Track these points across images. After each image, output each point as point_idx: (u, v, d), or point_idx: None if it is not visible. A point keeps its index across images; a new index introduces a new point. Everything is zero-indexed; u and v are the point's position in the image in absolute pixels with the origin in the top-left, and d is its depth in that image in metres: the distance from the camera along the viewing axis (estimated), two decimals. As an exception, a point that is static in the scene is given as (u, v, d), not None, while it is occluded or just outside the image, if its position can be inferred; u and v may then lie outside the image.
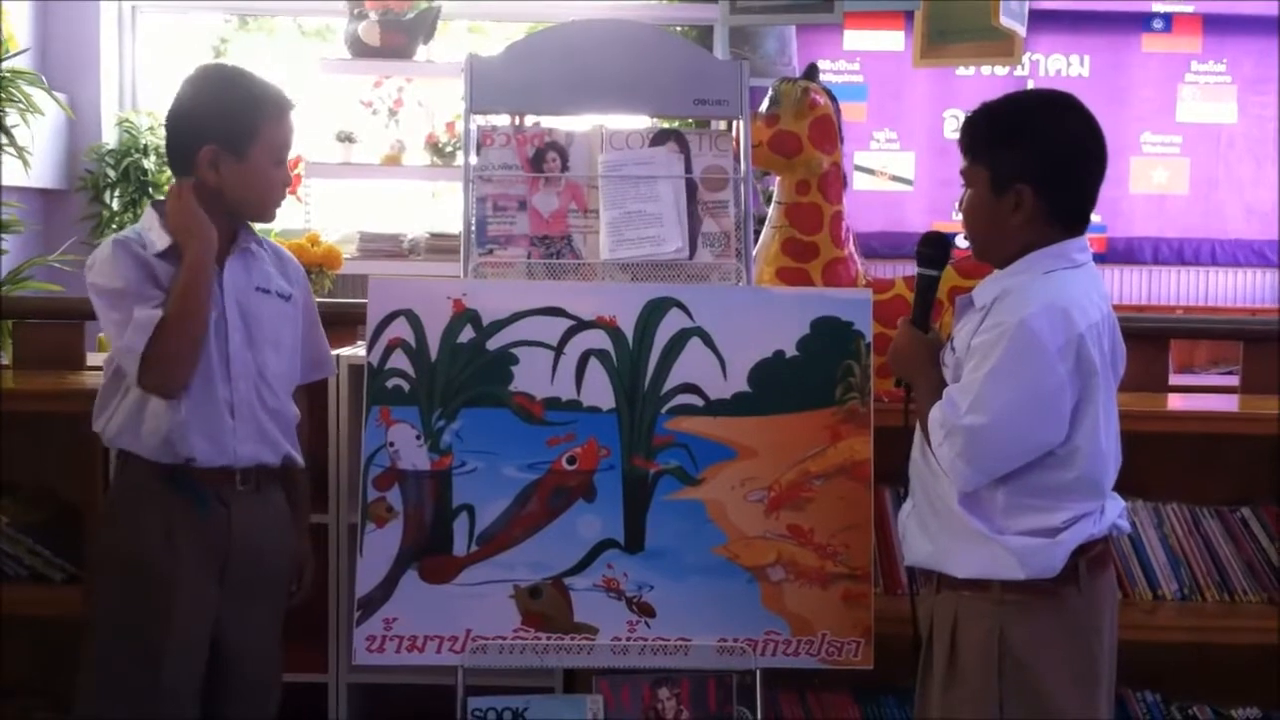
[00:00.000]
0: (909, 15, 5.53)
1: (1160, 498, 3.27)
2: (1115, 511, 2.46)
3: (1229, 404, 3.54)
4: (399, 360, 2.83)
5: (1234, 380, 3.85)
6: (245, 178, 2.61)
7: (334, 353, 2.99)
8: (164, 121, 2.71)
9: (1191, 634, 3.18)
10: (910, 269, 2.71)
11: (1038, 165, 2.38)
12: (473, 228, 3.04)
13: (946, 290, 2.82)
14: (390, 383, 2.82)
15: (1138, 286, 7.21)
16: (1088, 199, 2.45)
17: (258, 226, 2.78)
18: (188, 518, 2.60)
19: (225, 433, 2.61)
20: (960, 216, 2.54)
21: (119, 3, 6.42)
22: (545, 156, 3.09)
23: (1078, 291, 2.36)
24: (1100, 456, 2.38)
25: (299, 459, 2.78)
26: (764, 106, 3.23)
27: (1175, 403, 3.51)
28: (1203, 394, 3.91)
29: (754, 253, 3.16)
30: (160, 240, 2.58)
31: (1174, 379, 3.83)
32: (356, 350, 3.24)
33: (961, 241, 2.62)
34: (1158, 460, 3.19)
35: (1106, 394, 2.38)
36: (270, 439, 2.68)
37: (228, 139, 2.59)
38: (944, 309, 2.95)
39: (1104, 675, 2.43)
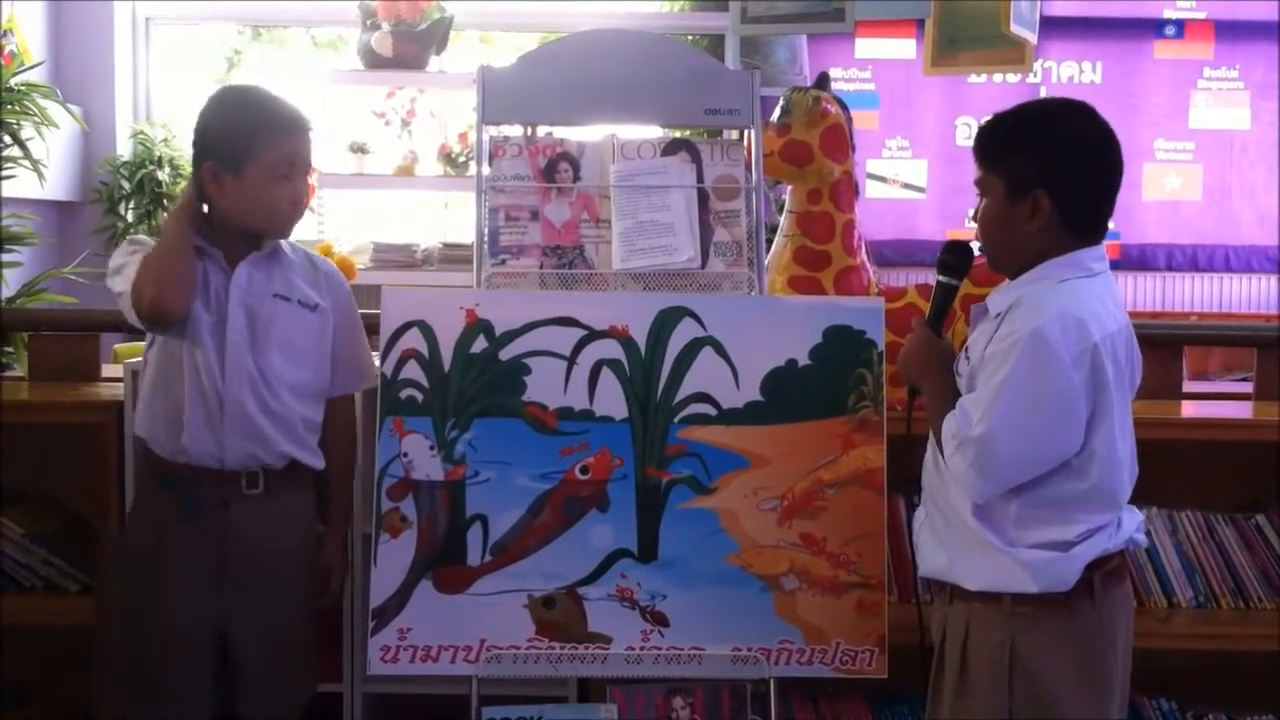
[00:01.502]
0: (920, 23, 5.52)
1: (1174, 505, 3.26)
2: (1132, 525, 2.44)
3: (1243, 410, 3.53)
4: (412, 370, 2.84)
5: (1248, 387, 3.84)
6: (243, 194, 2.68)
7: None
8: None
9: (1206, 641, 3.16)
10: (923, 277, 2.71)
11: (1054, 170, 2.37)
12: (485, 238, 3.05)
13: (960, 299, 2.81)
14: (404, 393, 2.83)
15: (1151, 293, 7.19)
16: (1104, 206, 2.43)
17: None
18: (185, 520, 2.69)
19: (214, 428, 2.68)
20: (974, 225, 2.53)
21: (133, 15, 6.45)
22: (557, 167, 3.10)
23: (1093, 301, 2.34)
24: (1115, 467, 2.36)
25: (309, 460, 2.81)
26: (775, 115, 3.23)
27: (1189, 409, 3.50)
28: (1216, 400, 3.90)
29: (766, 262, 3.16)
30: None
31: (1188, 386, 3.83)
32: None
33: (978, 249, 2.61)
34: (1172, 467, 3.18)
35: (1121, 405, 2.36)
36: (264, 440, 2.71)
37: (225, 156, 2.67)
38: (956, 318, 2.95)
39: (1116, 687, 2.42)
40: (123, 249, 2.74)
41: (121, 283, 2.65)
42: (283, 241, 2.81)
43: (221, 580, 2.70)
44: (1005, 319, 2.36)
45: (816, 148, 3.19)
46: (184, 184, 2.78)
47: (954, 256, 2.60)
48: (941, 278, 2.59)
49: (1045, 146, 2.39)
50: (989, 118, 2.49)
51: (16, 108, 4.59)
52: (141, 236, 2.80)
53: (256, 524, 2.72)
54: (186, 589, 2.68)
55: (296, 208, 2.75)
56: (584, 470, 2.83)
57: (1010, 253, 2.45)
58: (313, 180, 5.61)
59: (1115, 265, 6.99)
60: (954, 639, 2.45)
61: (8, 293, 4.65)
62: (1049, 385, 2.28)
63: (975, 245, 2.57)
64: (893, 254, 6.73)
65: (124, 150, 6.31)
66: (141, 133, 6.31)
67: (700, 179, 3.10)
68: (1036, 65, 6.66)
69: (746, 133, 3.15)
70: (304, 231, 5.70)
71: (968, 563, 2.41)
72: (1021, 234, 2.40)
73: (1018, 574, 2.35)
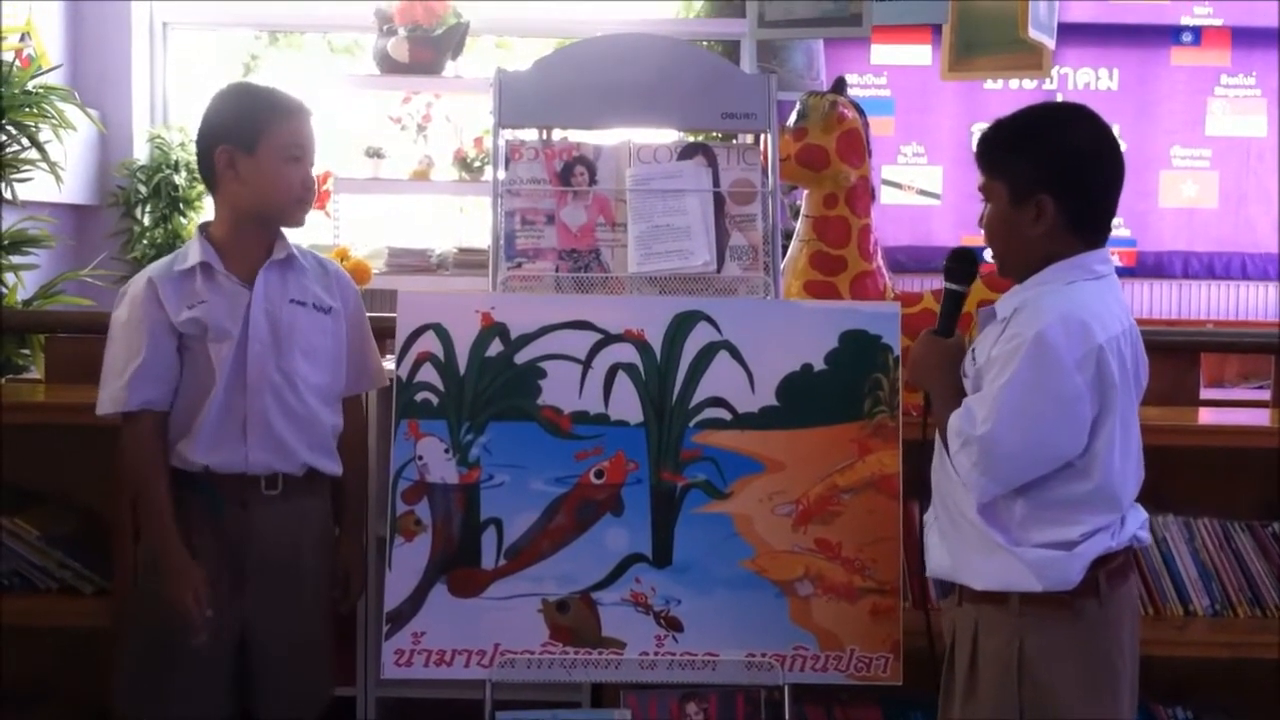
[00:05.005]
0: (937, 29, 5.51)
1: (1191, 512, 3.24)
2: (1136, 523, 2.44)
3: (1260, 418, 3.52)
4: (428, 373, 2.84)
5: (1265, 394, 3.83)
6: (258, 173, 2.70)
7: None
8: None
9: (1223, 649, 3.15)
10: (938, 282, 2.70)
11: (1056, 173, 2.38)
12: (501, 241, 3.05)
13: (975, 304, 2.81)
14: (419, 396, 2.83)
15: (1167, 300, 7.17)
16: (1107, 209, 2.45)
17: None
18: (205, 521, 2.70)
19: (237, 441, 2.69)
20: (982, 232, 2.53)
21: (150, 19, 6.47)
22: (573, 170, 3.10)
23: (1098, 303, 2.35)
24: (1118, 469, 2.36)
25: (329, 468, 2.82)
26: (792, 120, 3.23)
27: (1206, 417, 3.49)
28: (1234, 408, 3.88)
29: (782, 266, 3.16)
30: (193, 256, 2.72)
31: (1205, 393, 3.81)
32: (385, 364, 3.25)
33: (988, 256, 2.61)
34: (1189, 474, 3.18)
35: (1126, 406, 2.36)
36: (286, 449, 2.73)
37: (237, 137, 2.70)
38: (972, 323, 2.94)
39: (1125, 687, 2.42)
40: (130, 295, 2.71)
41: (107, 399, 2.70)
42: (294, 246, 2.81)
43: (242, 582, 2.71)
44: (1011, 322, 2.38)
45: (833, 152, 3.19)
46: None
47: (959, 263, 2.61)
48: (949, 285, 2.60)
49: (1046, 151, 2.40)
50: (990, 124, 2.50)
51: (34, 110, 4.60)
52: (155, 272, 2.73)
53: (276, 525, 2.73)
54: (212, 593, 2.67)
55: (308, 191, 2.77)
56: (599, 474, 2.83)
57: (1016, 257, 2.47)
58: (328, 185, 5.68)
59: (1131, 272, 7.02)
60: (963, 641, 2.46)
61: (25, 295, 4.67)
62: (1052, 387, 2.29)
63: (987, 251, 2.58)
64: (908, 260, 6.73)
65: (141, 154, 6.32)
66: (158, 136, 6.32)
67: (716, 183, 3.10)
68: (1053, 71, 6.65)
69: (763, 137, 3.15)
70: (320, 236, 5.73)
71: (974, 563, 2.42)
72: (1026, 238, 2.42)
73: (1022, 573, 2.36)
